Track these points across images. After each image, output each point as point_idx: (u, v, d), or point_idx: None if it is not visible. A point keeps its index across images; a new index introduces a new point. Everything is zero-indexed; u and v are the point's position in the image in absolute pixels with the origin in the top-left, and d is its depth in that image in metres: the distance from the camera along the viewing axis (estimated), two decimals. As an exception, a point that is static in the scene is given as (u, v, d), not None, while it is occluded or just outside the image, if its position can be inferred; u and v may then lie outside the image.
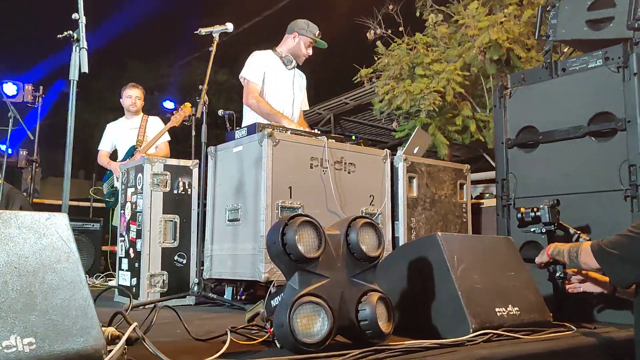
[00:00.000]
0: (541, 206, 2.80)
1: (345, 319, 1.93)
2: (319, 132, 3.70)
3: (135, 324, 1.54)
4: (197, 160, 3.58)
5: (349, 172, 3.58)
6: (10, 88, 6.72)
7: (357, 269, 2.01)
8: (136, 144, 4.99)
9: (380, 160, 3.77)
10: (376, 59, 8.48)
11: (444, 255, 2.25)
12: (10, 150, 7.11)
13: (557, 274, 2.71)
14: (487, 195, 4.42)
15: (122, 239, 3.71)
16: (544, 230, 2.80)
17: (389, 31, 8.74)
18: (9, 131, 5.26)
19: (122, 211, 3.75)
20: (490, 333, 2.09)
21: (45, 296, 1.37)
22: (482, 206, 4.39)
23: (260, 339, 2.03)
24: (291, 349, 1.80)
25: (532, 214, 2.83)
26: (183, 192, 3.57)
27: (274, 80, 4.00)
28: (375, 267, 2.07)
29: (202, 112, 3.50)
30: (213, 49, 3.53)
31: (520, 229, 2.91)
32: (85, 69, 2.28)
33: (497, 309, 2.24)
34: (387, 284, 2.49)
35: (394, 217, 3.80)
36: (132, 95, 5.17)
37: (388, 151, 3.82)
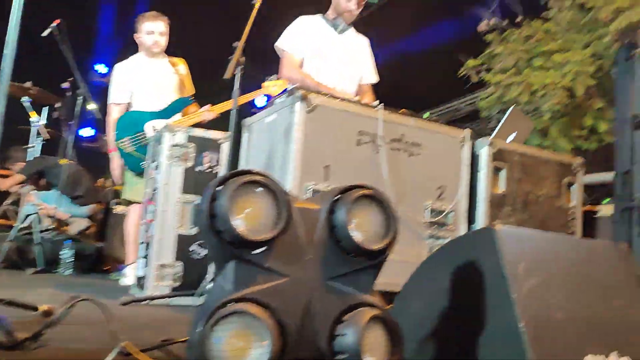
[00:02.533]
0: (681, 205, 1.83)
1: (310, 346, 1.18)
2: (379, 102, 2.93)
3: None
4: (229, 133, 2.97)
5: (410, 155, 2.78)
6: (102, 68, 6.70)
7: (342, 267, 1.25)
8: (189, 96, 3.89)
9: (456, 142, 2.92)
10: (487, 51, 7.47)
11: (502, 261, 1.41)
12: (93, 132, 7.09)
13: None
14: (605, 200, 3.36)
15: (143, 221, 3.21)
16: (684, 242, 1.83)
17: (506, 21, 7.69)
18: (78, 110, 5.05)
19: (146, 190, 3.26)
20: (570, 398, 1.23)
21: None
22: (597, 215, 3.35)
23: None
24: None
25: (666, 216, 1.87)
26: (209, 170, 2.99)
27: (319, 49, 3.28)
28: (377, 267, 1.30)
29: (236, 75, 2.89)
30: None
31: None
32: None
33: (587, 357, 1.35)
34: (421, 300, 1.70)
35: (471, 219, 2.92)
36: (154, 31, 3.80)
37: (469, 131, 2.96)
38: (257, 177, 1.18)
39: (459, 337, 1.51)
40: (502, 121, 3.19)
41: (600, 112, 6.25)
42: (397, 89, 3.31)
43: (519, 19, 7.48)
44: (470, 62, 7.34)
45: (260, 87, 3.61)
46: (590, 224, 3.30)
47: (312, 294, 1.20)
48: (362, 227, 1.27)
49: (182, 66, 4.05)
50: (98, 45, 7.60)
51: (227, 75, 2.88)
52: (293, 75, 3.20)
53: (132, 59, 3.97)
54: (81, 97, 5.14)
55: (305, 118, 2.51)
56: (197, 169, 2.95)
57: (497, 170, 2.97)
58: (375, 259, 1.28)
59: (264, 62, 3.60)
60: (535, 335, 1.32)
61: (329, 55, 3.29)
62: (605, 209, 3.24)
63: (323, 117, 2.56)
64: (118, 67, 3.94)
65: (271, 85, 3.54)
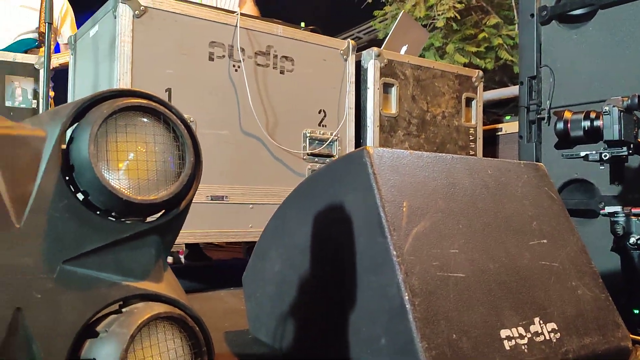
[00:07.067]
0: (605, 108, 1.44)
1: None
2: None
3: None
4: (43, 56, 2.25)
5: (282, 72, 2.24)
6: None
7: (90, 240, 0.71)
8: (37, 31, 2.76)
9: (338, 55, 2.41)
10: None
11: (376, 198, 0.93)
12: None
13: (634, 239, 1.41)
14: (507, 117, 3.02)
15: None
16: (606, 155, 1.45)
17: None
18: None
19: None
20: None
21: None
22: (499, 133, 3.01)
23: None
24: None
25: (587, 123, 1.48)
26: (22, 107, 2.29)
27: None
28: (165, 231, 0.77)
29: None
30: None
31: (560, 152, 1.56)
32: None
33: (503, 332, 0.93)
34: (280, 258, 1.22)
35: (360, 146, 2.47)
36: None
37: (352, 43, 2.45)
38: None
39: (325, 314, 1.04)
40: (392, 30, 2.70)
41: (495, 28, 6.04)
42: (292, 19, 2.59)
43: None
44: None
45: None
46: (492, 142, 2.96)
47: (26, 296, 0.65)
48: (130, 165, 0.73)
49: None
50: None
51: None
52: None
53: None
54: None
55: (133, 25, 1.88)
56: (8, 104, 2.24)
57: (387, 88, 2.50)
58: (161, 218, 0.75)
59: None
60: (427, 307, 0.86)
61: None
62: (509, 126, 2.91)
63: (159, 23, 1.93)
64: None
65: None
